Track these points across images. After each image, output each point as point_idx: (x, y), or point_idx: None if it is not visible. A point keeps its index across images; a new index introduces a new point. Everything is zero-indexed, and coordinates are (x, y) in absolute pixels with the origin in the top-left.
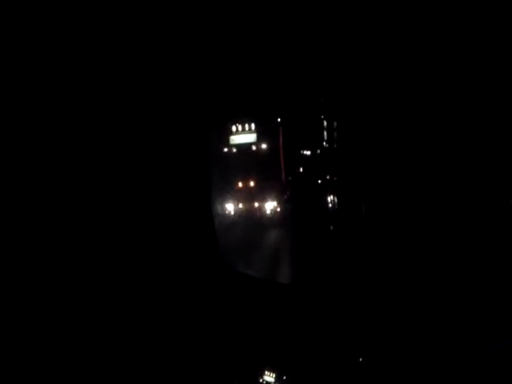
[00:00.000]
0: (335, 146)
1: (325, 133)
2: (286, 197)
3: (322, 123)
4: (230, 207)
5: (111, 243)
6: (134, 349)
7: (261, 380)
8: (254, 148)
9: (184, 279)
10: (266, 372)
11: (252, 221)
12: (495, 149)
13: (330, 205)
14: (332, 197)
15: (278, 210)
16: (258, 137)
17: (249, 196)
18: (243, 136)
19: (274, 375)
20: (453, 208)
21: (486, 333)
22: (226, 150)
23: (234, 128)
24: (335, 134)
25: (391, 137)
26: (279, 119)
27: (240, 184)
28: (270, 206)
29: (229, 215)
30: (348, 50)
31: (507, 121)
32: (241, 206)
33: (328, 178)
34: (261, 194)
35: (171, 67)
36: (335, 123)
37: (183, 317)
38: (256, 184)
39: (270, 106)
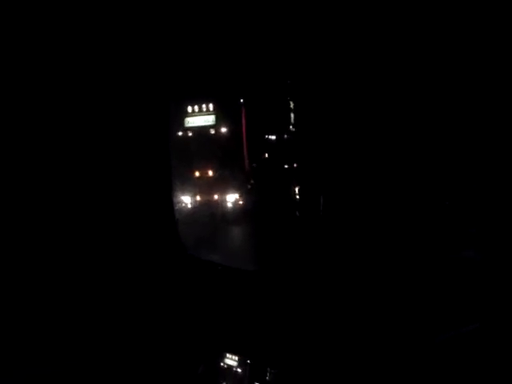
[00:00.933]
0: (301, 131)
1: (292, 115)
2: (249, 186)
3: (289, 105)
4: (185, 200)
5: (69, 228)
6: (96, 335)
7: (222, 364)
8: (212, 131)
9: (145, 266)
10: (228, 355)
11: (211, 216)
12: (435, 150)
13: (297, 196)
14: (298, 186)
15: (241, 202)
16: (216, 119)
17: (207, 187)
18: (200, 118)
19: (236, 358)
20: (396, 204)
21: (437, 322)
22: (180, 133)
23: (189, 108)
24: (301, 117)
25: (358, 124)
26: (242, 100)
27: (197, 173)
28: (232, 198)
29: (184, 209)
30: (317, 29)
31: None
32: (198, 198)
33: (295, 165)
34: (221, 184)
35: (120, 40)
36: (301, 105)
37: (146, 304)
38: (215, 173)
39: (231, 84)
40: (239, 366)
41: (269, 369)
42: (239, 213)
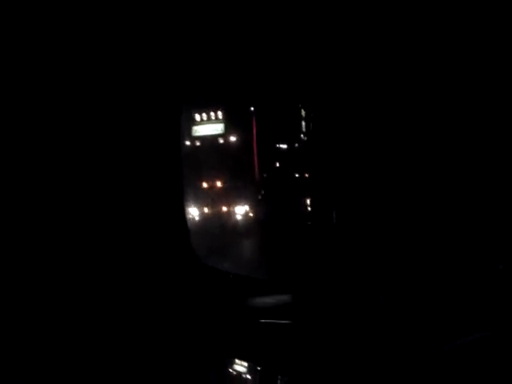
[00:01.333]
0: (314, 139)
1: (303, 124)
2: (260, 197)
3: (300, 113)
4: (193, 212)
5: (81, 235)
6: (108, 341)
7: (231, 370)
8: (221, 141)
9: (158, 275)
10: (237, 361)
11: (221, 228)
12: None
13: (309, 207)
14: (309, 197)
15: (251, 214)
16: (225, 127)
17: (216, 198)
18: (208, 126)
19: (246, 365)
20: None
21: (446, 329)
22: (187, 142)
23: (197, 116)
24: (313, 125)
25: (375, 132)
26: (252, 108)
27: (205, 184)
28: (241, 210)
29: (192, 222)
30: (328, 35)
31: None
32: (206, 210)
33: (307, 175)
34: (230, 195)
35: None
36: (312, 114)
37: (157, 311)
38: (224, 184)
39: (241, 91)
40: (249, 372)
41: (279, 376)
42: (249, 224)
